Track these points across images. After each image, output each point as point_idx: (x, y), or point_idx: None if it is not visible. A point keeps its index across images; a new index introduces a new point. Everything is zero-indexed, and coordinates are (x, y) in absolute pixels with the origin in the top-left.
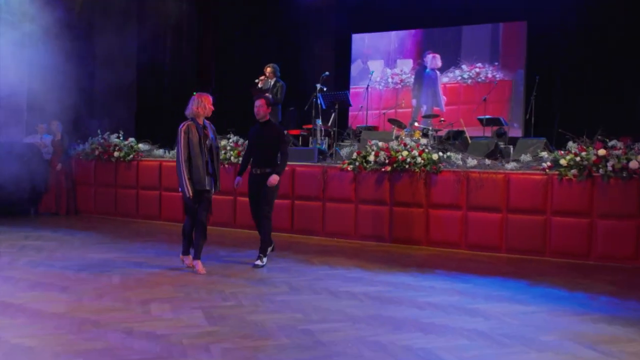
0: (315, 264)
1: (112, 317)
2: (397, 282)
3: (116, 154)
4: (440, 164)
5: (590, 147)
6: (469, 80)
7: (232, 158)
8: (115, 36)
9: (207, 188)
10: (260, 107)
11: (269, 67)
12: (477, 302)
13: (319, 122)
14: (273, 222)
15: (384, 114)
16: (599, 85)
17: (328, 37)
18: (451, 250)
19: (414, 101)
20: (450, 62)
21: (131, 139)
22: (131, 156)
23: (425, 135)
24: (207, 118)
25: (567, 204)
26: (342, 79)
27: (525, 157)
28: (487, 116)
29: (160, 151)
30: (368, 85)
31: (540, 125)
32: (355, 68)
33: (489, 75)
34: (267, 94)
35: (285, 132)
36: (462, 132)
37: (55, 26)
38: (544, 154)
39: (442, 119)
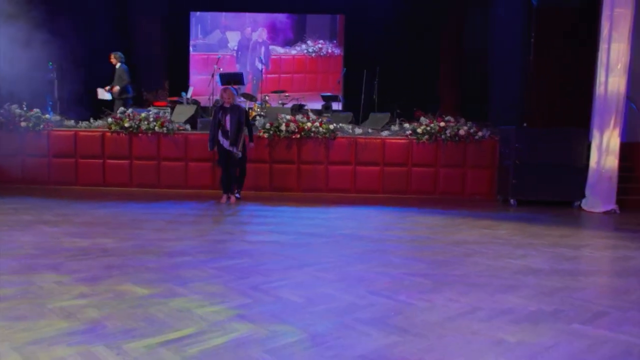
0: (277, 205)
1: (234, 237)
2: (348, 211)
3: (23, 124)
4: (336, 132)
5: (435, 121)
6: (313, 54)
7: (155, 128)
8: None
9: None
10: (229, 97)
11: (112, 54)
12: (408, 217)
13: (184, 94)
14: (203, 181)
15: (239, 94)
16: (405, 67)
17: (164, 15)
18: (345, 194)
19: (237, 66)
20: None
21: (36, 110)
22: (41, 126)
23: (275, 108)
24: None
25: (421, 159)
26: (181, 52)
27: (394, 127)
28: (328, 93)
29: (72, 122)
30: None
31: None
32: (214, 37)
33: (329, 51)
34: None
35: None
36: (303, 105)
37: None
38: (407, 125)
39: (287, 94)
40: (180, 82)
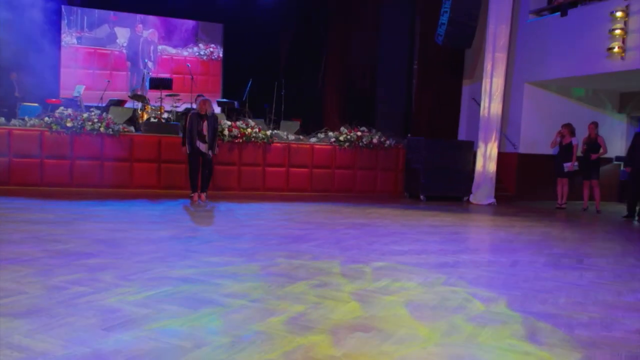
0: (245, 202)
1: (277, 225)
2: (314, 206)
3: None
4: (273, 138)
5: (353, 131)
6: (205, 57)
7: (101, 129)
8: None
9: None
10: (209, 107)
11: None
12: (368, 210)
13: (79, 93)
14: (148, 181)
15: (130, 95)
16: (288, 77)
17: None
18: (279, 193)
19: (128, 63)
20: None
21: None
22: None
23: (168, 111)
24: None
25: (343, 162)
26: (51, 46)
27: (321, 135)
28: (225, 99)
29: (2, 119)
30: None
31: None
32: (102, 31)
33: (220, 55)
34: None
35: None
36: (192, 108)
37: None
38: (331, 133)
39: (179, 97)
40: (48, 77)
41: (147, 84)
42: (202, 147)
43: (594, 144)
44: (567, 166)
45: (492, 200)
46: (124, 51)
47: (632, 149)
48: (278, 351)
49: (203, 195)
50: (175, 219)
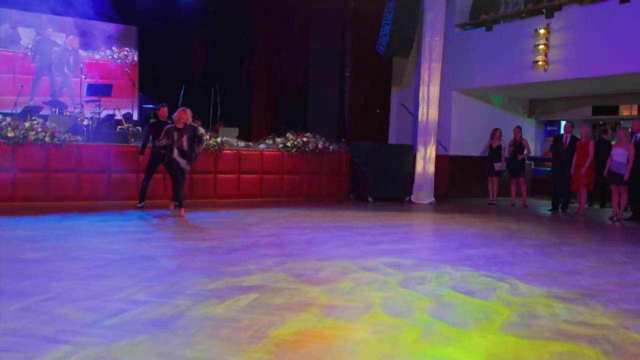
0: (215, 211)
1: (278, 233)
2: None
3: None
4: (223, 145)
5: (299, 137)
6: (119, 61)
7: (46, 139)
8: None
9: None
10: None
11: None
12: (336, 213)
13: None
14: (98, 192)
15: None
16: (210, 82)
17: None
18: (231, 200)
19: (35, 67)
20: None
21: None
22: None
23: (91, 119)
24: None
25: (291, 167)
26: None
27: (269, 142)
28: (152, 105)
29: None
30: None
31: None
32: (2, 31)
33: (135, 59)
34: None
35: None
36: (114, 115)
37: None
38: (279, 139)
39: (99, 103)
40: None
41: (85, 90)
42: (182, 163)
43: (519, 145)
44: (498, 166)
45: (432, 199)
46: (29, 53)
47: (553, 151)
48: (401, 319)
49: (173, 205)
50: (167, 229)
